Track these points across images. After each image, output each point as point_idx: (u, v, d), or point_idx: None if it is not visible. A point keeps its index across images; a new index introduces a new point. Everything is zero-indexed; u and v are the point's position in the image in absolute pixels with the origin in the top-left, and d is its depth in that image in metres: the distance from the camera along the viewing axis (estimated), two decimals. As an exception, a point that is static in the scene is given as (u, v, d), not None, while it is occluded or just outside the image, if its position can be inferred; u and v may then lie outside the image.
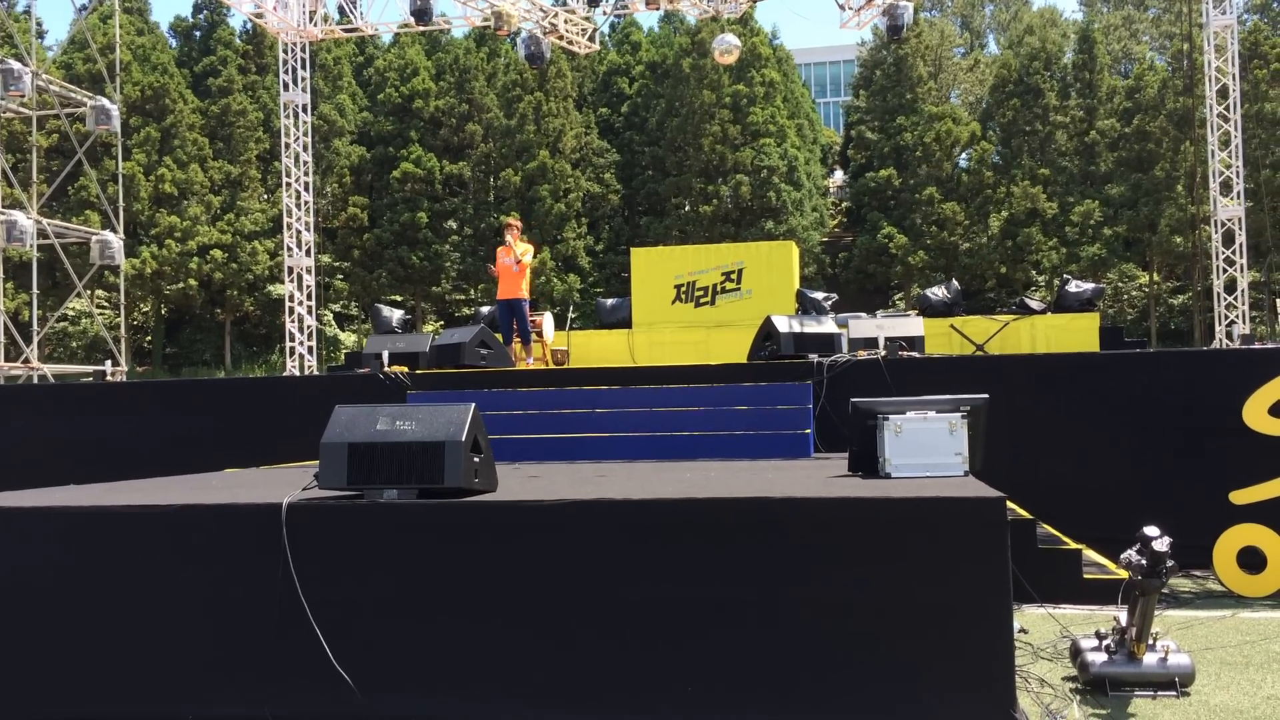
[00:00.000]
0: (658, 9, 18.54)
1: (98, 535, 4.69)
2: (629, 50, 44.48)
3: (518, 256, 12.40)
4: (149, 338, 41.51)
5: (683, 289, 13.95)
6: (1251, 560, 7.39)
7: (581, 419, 8.89)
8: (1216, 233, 18.22)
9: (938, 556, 4.15)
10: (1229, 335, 17.70)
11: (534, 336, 12.96)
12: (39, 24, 40.04)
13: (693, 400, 8.88)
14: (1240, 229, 17.90)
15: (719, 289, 13.84)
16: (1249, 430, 7.64)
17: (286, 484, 5.56)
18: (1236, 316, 17.70)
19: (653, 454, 8.26)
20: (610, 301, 15.13)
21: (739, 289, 13.77)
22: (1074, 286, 13.79)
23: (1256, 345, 10.41)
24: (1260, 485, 7.52)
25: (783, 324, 9.84)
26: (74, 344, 37.90)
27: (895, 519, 4.23)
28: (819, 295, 14.21)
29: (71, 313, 36.50)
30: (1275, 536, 7.36)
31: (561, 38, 20.08)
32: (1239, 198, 18.07)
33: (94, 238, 22.69)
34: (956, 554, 4.14)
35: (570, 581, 4.37)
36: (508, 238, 12.56)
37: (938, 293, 13.96)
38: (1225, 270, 18.07)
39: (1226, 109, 18.23)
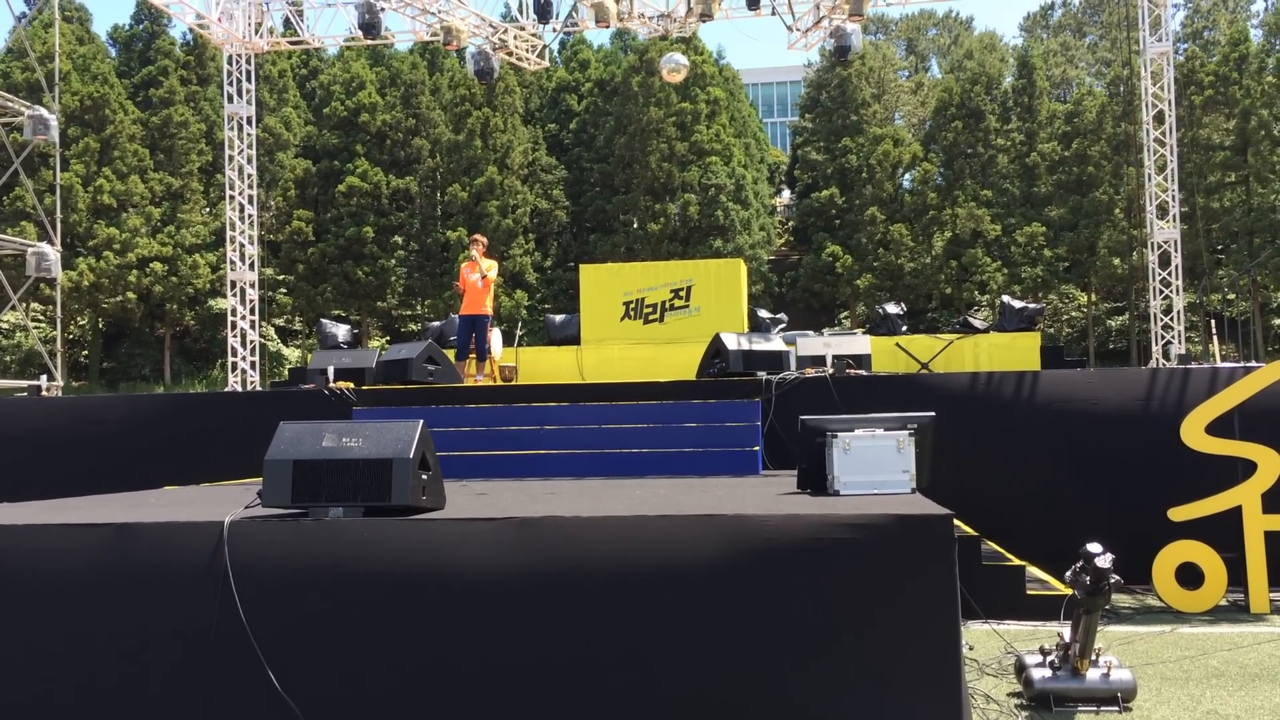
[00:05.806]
0: (607, 27, 18.56)
1: (30, 553, 4.55)
2: (578, 67, 44.55)
3: (483, 272, 12.44)
4: (86, 352, 40.66)
5: (631, 306, 13.95)
6: (1189, 576, 7.55)
7: (530, 436, 8.84)
8: (1153, 255, 18.61)
9: (886, 573, 4.17)
10: (1166, 355, 18.03)
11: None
12: (-25, 31, 39.15)
13: (642, 417, 8.87)
14: (1176, 251, 18.28)
15: (668, 306, 13.86)
16: (1186, 449, 7.80)
17: (228, 502, 5.45)
18: (1173, 337, 18.05)
19: (602, 471, 8.24)
20: (559, 318, 15.08)
21: (688, 306, 13.81)
22: (1015, 304, 14.02)
23: (1193, 366, 10.64)
24: (1197, 503, 7.67)
25: (731, 341, 9.86)
26: (8, 358, 37.03)
27: (844, 536, 4.24)
28: (771, 316, 14.32)
29: (5, 326, 35.69)
30: (1212, 553, 7.53)
31: (511, 54, 20.05)
32: (1175, 221, 18.47)
33: (29, 249, 22.15)
34: (905, 571, 4.16)
35: (519, 599, 4.32)
36: (473, 252, 12.59)
37: (884, 311, 14.14)
38: (1162, 292, 18.46)
39: (1163, 134, 18.64)
